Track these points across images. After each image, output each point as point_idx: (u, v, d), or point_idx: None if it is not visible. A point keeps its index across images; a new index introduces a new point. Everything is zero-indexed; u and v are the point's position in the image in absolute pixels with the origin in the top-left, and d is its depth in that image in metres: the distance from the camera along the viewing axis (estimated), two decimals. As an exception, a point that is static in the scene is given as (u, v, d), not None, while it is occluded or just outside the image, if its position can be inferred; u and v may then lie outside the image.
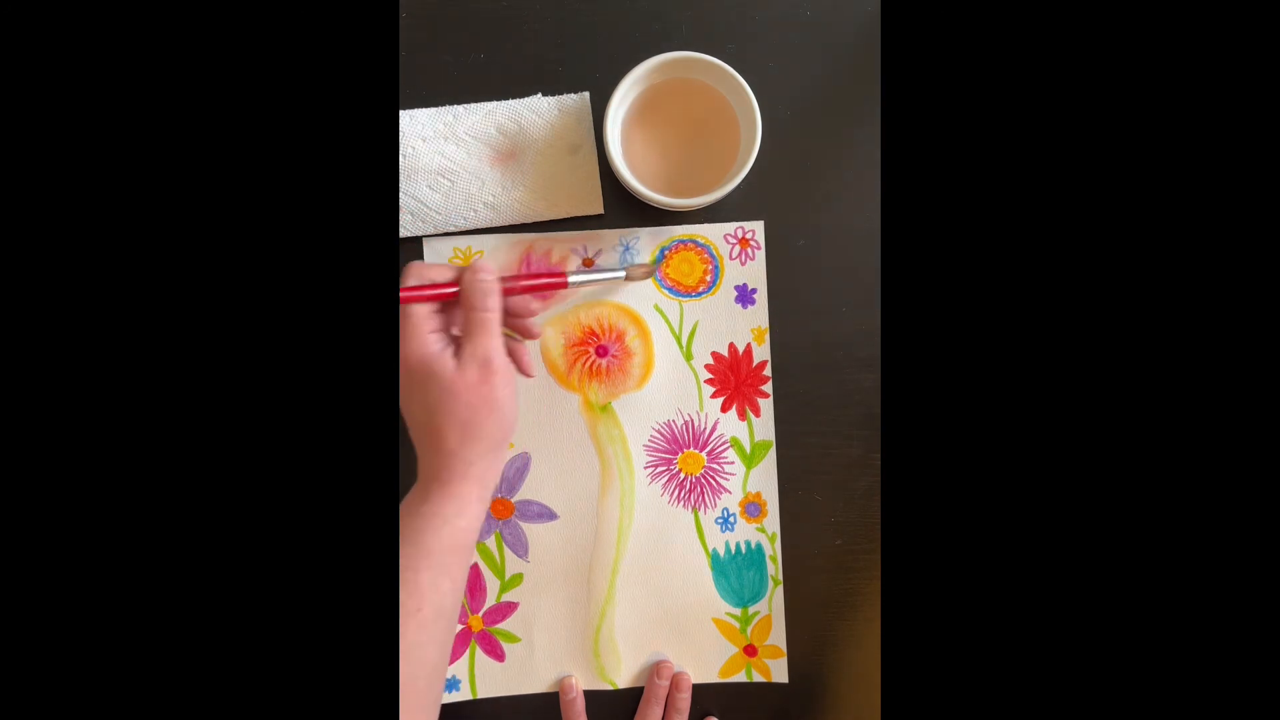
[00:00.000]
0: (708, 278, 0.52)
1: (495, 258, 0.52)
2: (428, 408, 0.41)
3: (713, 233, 0.52)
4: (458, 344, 0.42)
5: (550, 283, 0.46)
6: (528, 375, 0.48)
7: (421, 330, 0.41)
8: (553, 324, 0.52)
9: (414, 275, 0.42)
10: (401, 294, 0.41)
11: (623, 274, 0.49)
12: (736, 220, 0.52)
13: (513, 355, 0.45)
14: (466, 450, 0.41)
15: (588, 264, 0.52)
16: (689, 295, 0.52)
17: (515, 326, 0.47)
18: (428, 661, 0.38)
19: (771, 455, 0.52)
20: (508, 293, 0.44)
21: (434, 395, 0.40)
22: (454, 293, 0.42)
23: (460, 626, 0.52)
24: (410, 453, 0.43)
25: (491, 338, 0.41)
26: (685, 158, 0.50)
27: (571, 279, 0.46)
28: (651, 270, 0.51)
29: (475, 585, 0.52)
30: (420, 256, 0.52)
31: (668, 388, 0.52)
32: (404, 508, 0.41)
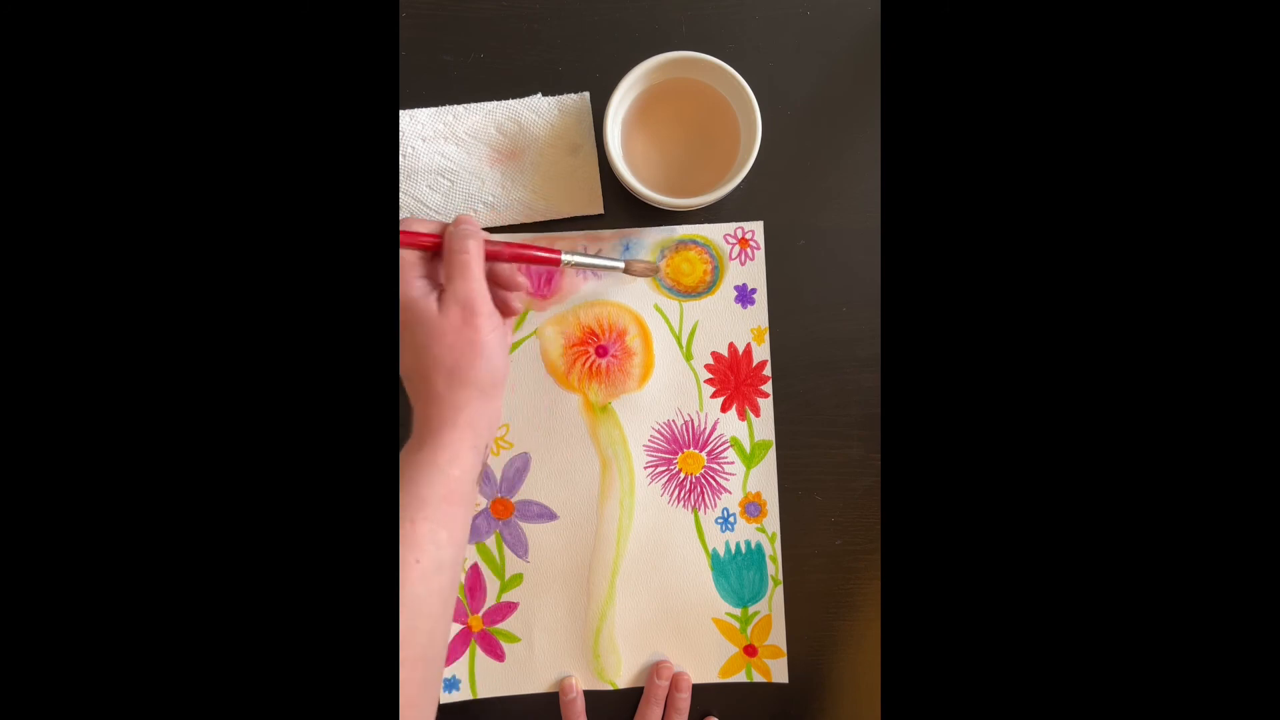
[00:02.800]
0: (708, 278, 0.52)
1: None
2: (415, 352, 0.41)
3: (713, 233, 0.52)
4: (439, 292, 0.42)
5: (543, 256, 0.46)
6: (511, 312, 0.47)
7: (407, 275, 0.41)
8: (553, 324, 0.52)
9: (402, 227, 0.43)
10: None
11: (621, 265, 0.49)
12: (736, 220, 0.52)
13: (501, 302, 0.45)
14: (454, 395, 0.41)
15: None
16: (689, 295, 0.52)
17: (495, 297, 0.47)
18: (429, 614, 0.38)
19: (771, 455, 0.52)
20: (496, 256, 0.44)
21: (420, 339, 0.40)
22: (436, 241, 0.43)
23: (460, 626, 0.52)
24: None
25: (472, 280, 0.41)
26: (685, 158, 0.50)
27: (565, 257, 0.46)
28: (654, 269, 0.51)
29: (475, 585, 0.52)
30: (420, 256, 0.52)
31: (668, 388, 0.52)
32: (400, 459, 0.41)
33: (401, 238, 0.42)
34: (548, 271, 0.52)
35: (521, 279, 0.48)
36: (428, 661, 0.38)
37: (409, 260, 0.42)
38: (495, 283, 0.46)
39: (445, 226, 0.43)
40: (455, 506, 0.40)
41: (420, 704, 0.37)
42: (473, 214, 0.51)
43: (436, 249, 0.43)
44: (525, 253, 0.45)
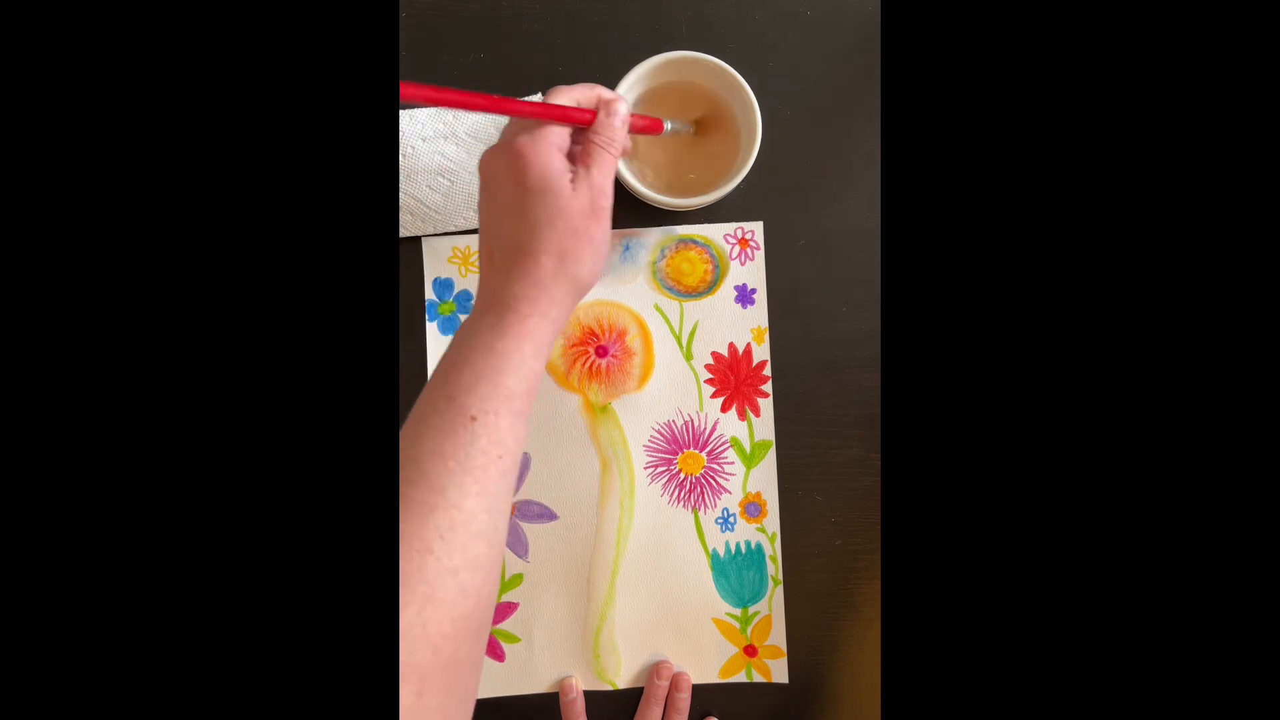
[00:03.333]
0: (708, 278, 0.52)
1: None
2: (533, 225, 0.38)
3: (713, 233, 0.52)
4: (574, 174, 0.39)
5: (648, 125, 0.45)
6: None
7: (550, 145, 0.38)
8: (553, 324, 0.52)
9: (558, 94, 0.40)
10: (541, 107, 0.39)
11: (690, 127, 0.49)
12: (736, 220, 0.52)
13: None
14: (556, 284, 0.38)
15: None
16: (689, 295, 0.52)
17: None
18: (506, 513, 0.36)
19: (771, 455, 0.52)
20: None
21: (544, 213, 0.38)
22: (589, 119, 0.40)
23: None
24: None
25: (611, 175, 0.39)
26: (685, 158, 0.50)
27: (668, 125, 0.46)
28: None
29: (475, 585, 0.52)
30: (420, 256, 0.52)
31: (668, 388, 0.52)
32: (471, 343, 0.38)
33: (548, 110, 0.39)
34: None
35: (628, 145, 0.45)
36: (498, 567, 0.36)
37: (554, 131, 0.39)
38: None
39: (599, 100, 0.41)
40: (531, 400, 0.38)
41: (492, 604, 0.36)
42: (472, 214, 0.51)
43: (585, 125, 0.41)
44: (642, 126, 0.45)
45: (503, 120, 0.52)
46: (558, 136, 0.39)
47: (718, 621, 0.52)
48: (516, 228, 0.38)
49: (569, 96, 0.40)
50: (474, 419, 0.35)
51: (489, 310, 0.38)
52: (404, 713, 0.30)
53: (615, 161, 0.40)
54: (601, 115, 0.40)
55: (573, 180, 0.38)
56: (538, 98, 0.51)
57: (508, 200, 0.39)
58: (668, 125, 0.46)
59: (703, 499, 0.52)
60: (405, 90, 0.35)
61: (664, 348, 0.52)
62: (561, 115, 0.39)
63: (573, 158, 0.40)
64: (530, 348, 0.37)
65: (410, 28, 0.52)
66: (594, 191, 0.38)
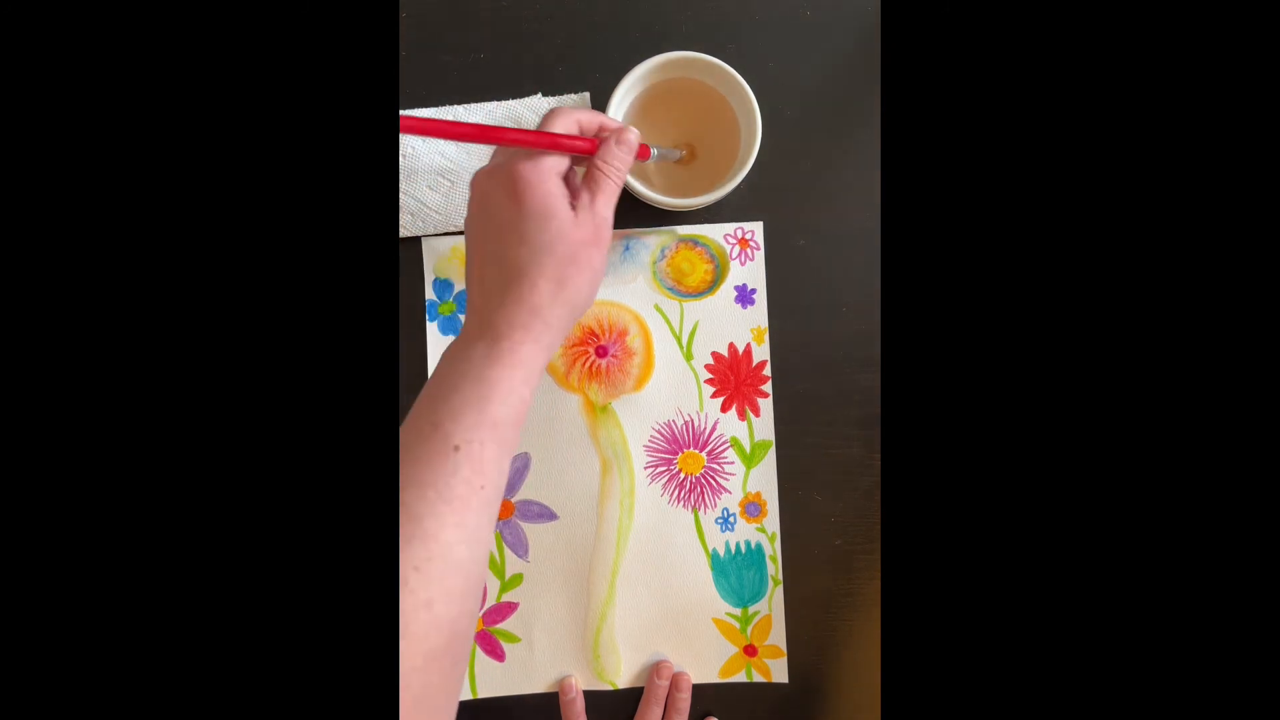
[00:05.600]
0: (708, 278, 0.52)
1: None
2: (534, 249, 0.37)
3: (713, 233, 0.52)
4: (576, 200, 0.39)
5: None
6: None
7: (551, 169, 0.38)
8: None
9: (561, 118, 0.39)
10: (544, 136, 0.38)
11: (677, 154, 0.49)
12: (736, 220, 0.52)
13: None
14: (552, 310, 0.37)
15: None
16: (689, 295, 0.52)
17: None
18: (486, 542, 0.35)
19: (771, 455, 0.52)
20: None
21: (545, 238, 0.37)
22: (591, 147, 0.40)
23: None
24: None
25: (612, 203, 0.39)
26: (685, 158, 0.50)
27: (654, 151, 0.46)
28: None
29: (475, 585, 0.52)
30: (420, 256, 0.52)
31: (668, 388, 0.52)
32: (461, 369, 0.37)
33: (554, 140, 0.38)
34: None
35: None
36: (477, 598, 0.35)
37: (553, 158, 0.38)
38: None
39: (602, 127, 0.40)
40: (517, 430, 0.37)
41: (469, 636, 0.35)
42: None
43: (588, 153, 0.40)
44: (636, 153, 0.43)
45: (503, 120, 0.52)
46: (557, 161, 0.38)
47: (718, 621, 0.52)
48: (514, 251, 0.37)
49: (570, 119, 0.39)
50: (457, 448, 0.34)
51: (481, 336, 0.37)
52: None
53: (619, 190, 0.40)
54: (612, 144, 0.39)
55: (574, 206, 0.38)
56: (538, 97, 0.51)
57: (504, 223, 0.38)
58: (655, 152, 0.46)
59: (703, 499, 0.52)
60: (404, 123, 0.35)
61: (664, 348, 0.52)
62: (568, 146, 0.39)
63: (568, 182, 0.40)
64: (521, 375, 0.36)
65: (410, 28, 0.52)
66: (597, 220, 0.38)
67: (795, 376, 0.52)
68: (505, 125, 0.51)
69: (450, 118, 0.52)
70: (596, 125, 0.40)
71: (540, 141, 0.38)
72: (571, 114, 0.39)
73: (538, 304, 0.37)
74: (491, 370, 0.36)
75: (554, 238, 0.37)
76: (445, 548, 0.33)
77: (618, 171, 0.39)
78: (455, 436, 0.34)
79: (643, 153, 0.43)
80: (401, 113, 0.35)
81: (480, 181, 0.39)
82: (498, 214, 0.38)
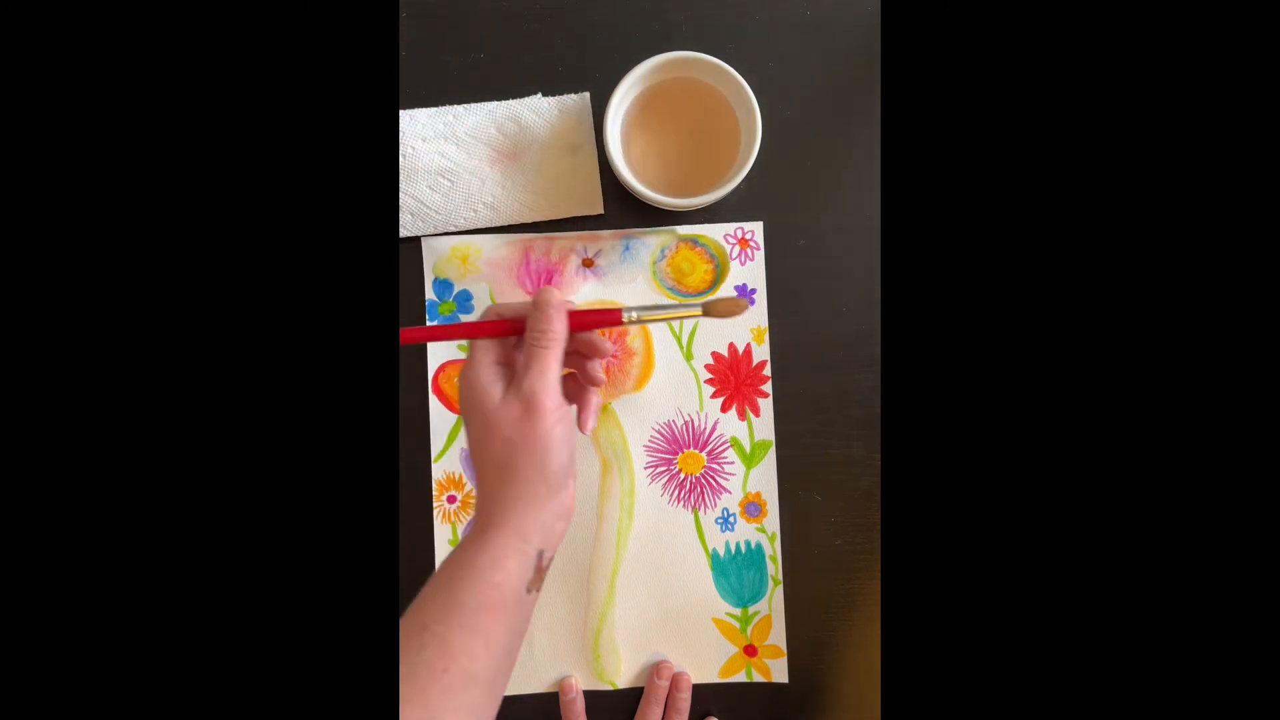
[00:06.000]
0: (709, 278, 0.52)
1: (495, 256, 0.52)
2: (472, 445, 0.39)
3: (713, 233, 0.52)
4: (507, 382, 0.39)
5: (608, 319, 0.41)
6: (582, 430, 0.43)
7: (481, 361, 0.39)
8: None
9: (488, 311, 0.41)
10: (473, 326, 0.40)
11: (699, 309, 0.42)
12: (736, 220, 0.52)
13: (576, 400, 0.42)
14: (504, 493, 0.38)
15: (588, 264, 0.52)
16: (689, 295, 0.52)
17: (581, 368, 0.44)
18: None
19: (771, 455, 0.52)
20: (575, 326, 0.40)
21: (475, 432, 0.38)
22: (519, 327, 0.40)
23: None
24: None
25: (543, 374, 0.38)
26: (685, 158, 0.50)
27: (627, 315, 0.41)
28: (739, 306, 0.42)
29: (475, 585, 0.52)
30: (420, 256, 0.52)
31: (668, 388, 0.52)
32: (448, 556, 0.38)
33: (482, 328, 0.40)
34: (547, 270, 0.52)
35: (606, 344, 0.43)
36: None
37: (484, 345, 0.39)
38: (578, 351, 0.43)
39: (529, 306, 0.40)
40: (494, 615, 0.36)
41: None
42: (472, 214, 0.51)
43: (518, 333, 0.40)
44: (591, 319, 0.41)
45: (504, 120, 0.52)
46: (485, 354, 0.39)
47: (718, 621, 0.52)
48: (470, 449, 0.39)
49: (492, 311, 0.41)
50: (425, 628, 0.35)
51: (473, 525, 0.39)
52: None
53: (553, 354, 0.38)
54: (532, 306, 0.39)
55: (505, 389, 0.39)
56: (538, 97, 0.51)
57: (466, 422, 0.40)
58: (630, 315, 0.41)
59: (703, 499, 0.52)
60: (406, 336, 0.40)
61: (664, 348, 0.52)
62: (488, 329, 0.40)
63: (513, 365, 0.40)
64: (486, 559, 0.37)
65: (410, 28, 0.52)
66: (524, 395, 0.38)
67: (795, 376, 0.52)
68: (505, 124, 0.52)
69: (450, 117, 0.52)
70: (519, 309, 0.40)
71: (467, 331, 0.40)
72: (495, 309, 0.41)
73: (489, 492, 0.38)
74: (462, 554, 0.37)
75: (482, 429, 0.38)
76: None
77: (544, 334, 0.38)
78: (425, 616, 0.36)
79: (611, 319, 0.41)
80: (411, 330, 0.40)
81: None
82: (464, 415, 0.40)
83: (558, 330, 0.39)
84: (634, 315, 0.41)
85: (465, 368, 0.39)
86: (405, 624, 0.35)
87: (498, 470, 0.38)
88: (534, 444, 0.37)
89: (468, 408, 0.39)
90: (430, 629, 0.35)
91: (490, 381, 0.39)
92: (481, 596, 0.36)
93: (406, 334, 0.40)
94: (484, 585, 0.36)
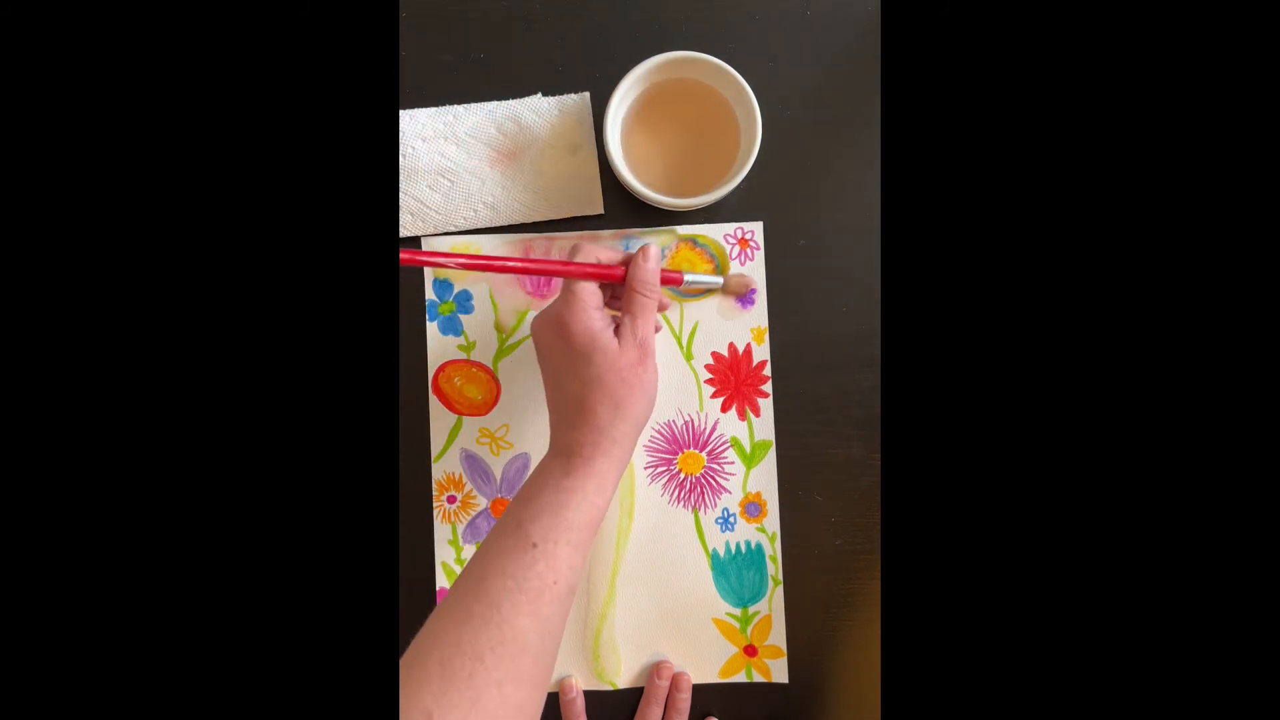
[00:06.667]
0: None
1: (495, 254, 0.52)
2: (586, 381, 0.42)
3: (713, 232, 0.52)
4: (615, 324, 0.43)
5: (670, 279, 0.48)
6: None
7: (588, 305, 0.42)
8: (553, 324, 0.52)
9: (584, 254, 0.43)
10: (574, 268, 0.42)
11: (719, 282, 0.51)
12: (736, 220, 0.52)
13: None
14: (615, 428, 0.42)
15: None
16: (690, 295, 0.52)
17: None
18: (555, 635, 0.39)
19: (771, 455, 0.52)
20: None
21: (594, 370, 0.41)
22: (621, 275, 0.43)
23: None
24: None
25: (650, 323, 0.43)
26: (685, 158, 0.50)
27: (688, 278, 0.49)
28: (746, 284, 0.51)
29: (475, 585, 0.52)
30: (420, 256, 0.52)
31: (668, 388, 0.52)
32: (542, 480, 0.42)
33: (589, 269, 0.42)
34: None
35: (667, 299, 0.51)
36: (545, 684, 0.38)
37: (589, 289, 0.42)
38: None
39: (628, 257, 0.44)
40: (592, 533, 0.41)
41: (535, 715, 0.38)
42: (472, 214, 0.51)
43: (618, 280, 0.44)
44: (664, 277, 0.46)
45: (504, 120, 0.52)
46: (592, 297, 0.42)
47: (718, 621, 0.52)
48: (574, 386, 0.42)
49: (591, 255, 0.43)
50: (535, 545, 0.39)
51: (558, 455, 0.43)
52: None
53: (654, 305, 0.43)
54: (639, 260, 0.43)
55: (617, 332, 0.42)
56: (538, 96, 0.51)
57: (561, 363, 0.43)
58: (687, 278, 0.48)
59: (703, 499, 0.52)
60: (404, 257, 0.40)
61: (664, 348, 0.52)
62: (595, 273, 0.42)
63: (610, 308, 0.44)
64: (594, 485, 0.41)
65: (410, 28, 0.52)
66: (639, 341, 0.42)
67: (795, 376, 0.52)
68: (505, 124, 0.51)
69: (450, 117, 0.52)
70: (618, 258, 0.44)
71: (575, 272, 0.42)
72: (591, 250, 0.43)
73: (601, 426, 0.42)
74: (567, 480, 0.41)
75: (603, 369, 0.41)
76: (518, 632, 0.36)
77: (650, 287, 0.43)
78: (534, 535, 0.39)
79: (674, 279, 0.47)
80: (419, 251, 0.41)
81: (536, 327, 0.44)
82: (553, 355, 0.43)
83: (658, 290, 0.44)
84: (687, 279, 0.48)
85: (570, 307, 0.42)
86: (508, 542, 0.39)
87: (612, 407, 0.41)
88: (645, 386, 0.42)
89: (586, 350, 0.41)
90: (540, 545, 0.39)
91: (603, 326, 0.42)
92: (586, 518, 0.41)
93: (498, 263, 0.42)
94: (589, 507, 0.41)
